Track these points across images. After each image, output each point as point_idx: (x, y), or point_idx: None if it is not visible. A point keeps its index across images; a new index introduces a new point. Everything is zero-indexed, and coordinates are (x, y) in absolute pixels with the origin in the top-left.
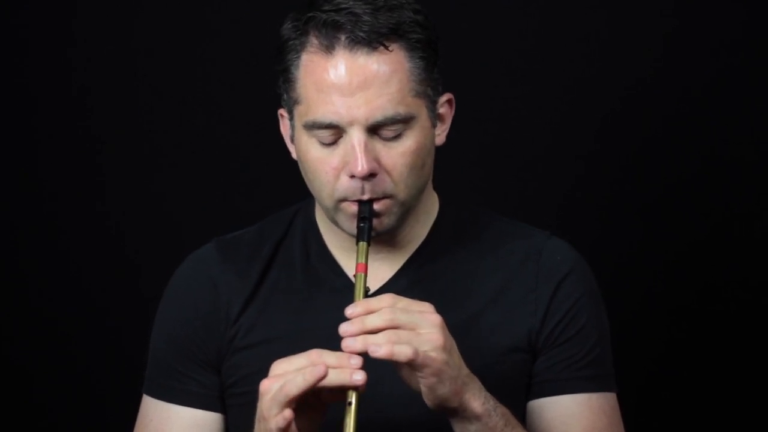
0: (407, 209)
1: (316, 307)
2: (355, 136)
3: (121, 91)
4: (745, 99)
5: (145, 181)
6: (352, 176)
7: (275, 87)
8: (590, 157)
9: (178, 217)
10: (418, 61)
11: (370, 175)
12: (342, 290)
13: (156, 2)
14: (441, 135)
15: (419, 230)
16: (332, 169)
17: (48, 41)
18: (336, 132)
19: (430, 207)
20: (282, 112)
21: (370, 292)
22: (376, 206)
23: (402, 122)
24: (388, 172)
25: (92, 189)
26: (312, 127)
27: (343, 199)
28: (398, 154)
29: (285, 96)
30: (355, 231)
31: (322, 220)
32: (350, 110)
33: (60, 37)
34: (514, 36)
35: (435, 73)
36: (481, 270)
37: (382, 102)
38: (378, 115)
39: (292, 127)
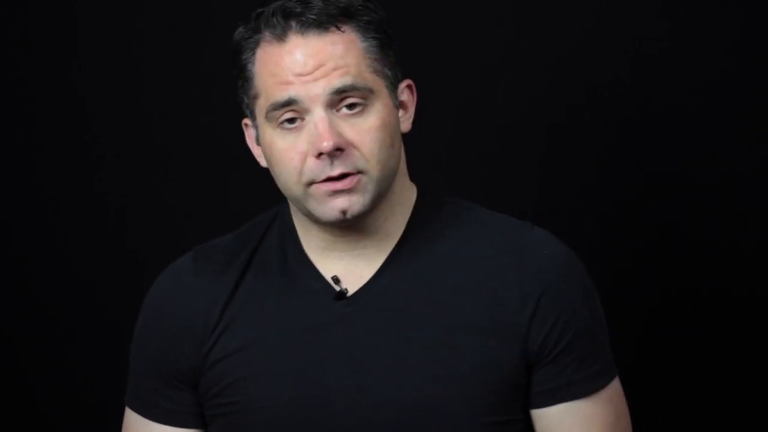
0: (381, 191)
1: (293, 310)
2: (317, 114)
3: (121, 88)
4: (747, 100)
5: (147, 177)
6: (319, 155)
7: (235, 97)
8: (588, 156)
9: (181, 212)
10: (372, 41)
11: (338, 150)
12: (319, 293)
13: (158, 1)
14: (406, 122)
15: (396, 224)
16: (298, 154)
17: (48, 41)
18: (297, 114)
19: (407, 199)
20: (246, 121)
21: (349, 294)
22: (349, 183)
23: (362, 96)
24: (357, 148)
25: (92, 186)
26: (273, 110)
27: (311, 182)
28: (364, 130)
29: (245, 100)
30: (328, 215)
31: (299, 222)
32: (308, 87)
33: (60, 36)
34: (494, 29)
35: (391, 56)
36: (463, 265)
37: (339, 73)
38: (336, 83)
39: (256, 127)
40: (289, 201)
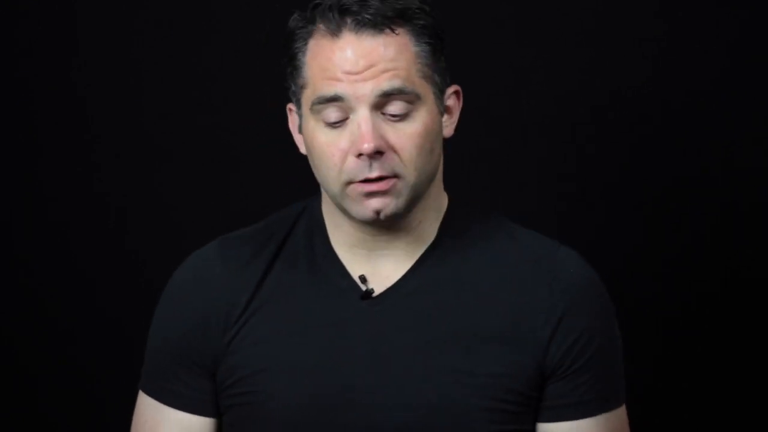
0: (416, 196)
1: (318, 306)
2: (361, 114)
3: (121, 88)
4: (747, 99)
5: (147, 177)
6: (359, 155)
7: (283, 82)
8: (589, 157)
9: (181, 212)
10: (424, 45)
11: (378, 153)
12: (346, 290)
13: (158, 1)
14: (449, 127)
15: (428, 228)
16: (339, 150)
17: (48, 41)
18: (342, 111)
19: (440, 205)
20: (290, 106)
21: (375, 294)
22: (385, 185)
23: (408, 100)
24: (396, 153)
25: (92, 186)
26: (318, 103)
27: (350, 182)
28: (406, 135)
29: (292, 87)
30: (363, 214)
31: (329, 218)
32: (356, 86)
33: (60, 36)
34: (494, 30)
35: (442, 62)
36: (489, 275)
37: (388, 76)
38: (385, 86)
39: (300, 116)
40: (324, 194)
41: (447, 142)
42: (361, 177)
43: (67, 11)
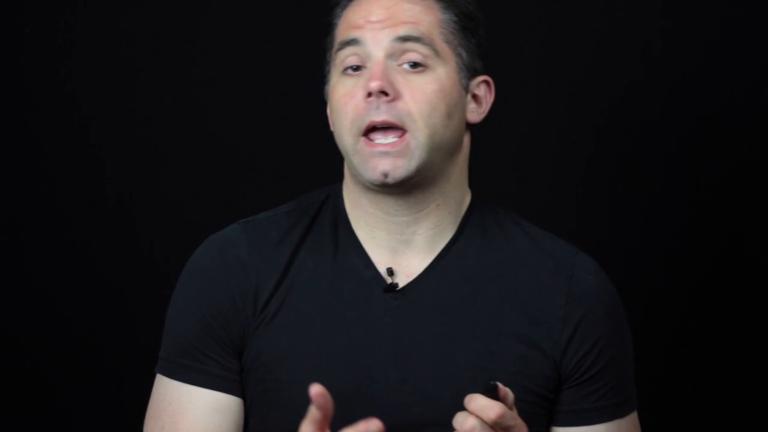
0: (429, 161)
1: (343, 298)
2: (375, 57)
3: (121, 88)
4: (747, 99)
5: (147, 176)
6: (369, 95)
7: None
8: (593, 156)
9: (181, 212)
10: (453, 16)
11: (383, 94)
12: (370, 282)
13: (157, 2)
14: (475, 113)
15: (448, 217)
16: (353, 98)
17: (47, 40)
18: (360, 59)
19: (462, 197)
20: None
21: (399, 287)
22: (395, 146)
23: (425, 54)
24: (405, 102)
25: (92, 185)
26: (339, 49)
27: (360, 131)
28: (418, 88)
29: (327, 55)
30: (369, 174)
31: (351, 207)
32: (374, 33)
33: (60, 36)
34: (511, 36)
35: (473, 44)
36: (510, 276)
37: (406, 26)
38: (401, 31)
39: (328, 82)
40: (346, 174)
41: None
42: (368, 120)
43: (67, 11)
